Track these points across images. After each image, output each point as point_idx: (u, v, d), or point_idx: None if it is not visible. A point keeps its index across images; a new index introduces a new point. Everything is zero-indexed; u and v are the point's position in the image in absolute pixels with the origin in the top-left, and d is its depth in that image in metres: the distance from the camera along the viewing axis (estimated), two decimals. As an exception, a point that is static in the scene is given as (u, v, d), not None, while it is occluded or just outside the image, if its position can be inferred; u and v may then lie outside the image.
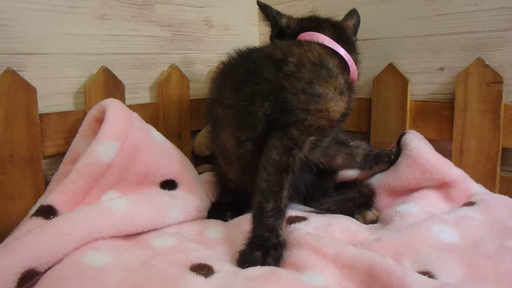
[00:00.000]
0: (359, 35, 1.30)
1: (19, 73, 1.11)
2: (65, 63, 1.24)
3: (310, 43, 1.05)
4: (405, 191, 1.14)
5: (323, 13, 1.50)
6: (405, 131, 1.27)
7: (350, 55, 1.08)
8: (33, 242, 0.82)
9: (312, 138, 1.00)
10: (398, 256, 0.85)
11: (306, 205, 1.21)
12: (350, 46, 1.12)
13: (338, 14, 1.35)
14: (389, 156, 1.24)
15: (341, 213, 1.14)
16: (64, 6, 1.22)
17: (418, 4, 1.33)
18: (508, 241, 0.87)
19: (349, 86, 1.04)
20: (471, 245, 0.87)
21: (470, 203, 1.05)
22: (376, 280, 0.75)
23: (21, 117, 1.11)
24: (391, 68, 1.37)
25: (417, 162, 1.12)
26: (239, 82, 1.05)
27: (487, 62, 1.19)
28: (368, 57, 1.40)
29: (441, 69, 1.32)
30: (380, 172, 1.24)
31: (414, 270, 0.80)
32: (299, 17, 1.22)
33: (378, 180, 1.21)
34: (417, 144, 1.16)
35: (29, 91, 1.12)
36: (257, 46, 1.15)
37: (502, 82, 1.17)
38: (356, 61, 1.12)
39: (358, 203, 1.16)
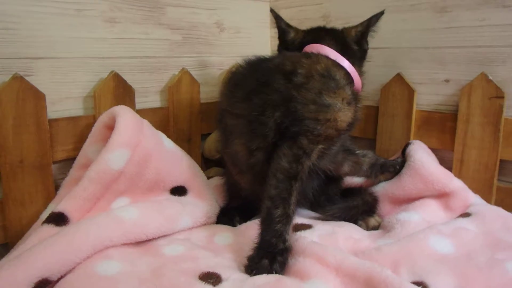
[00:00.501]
0: (371, 43, 1.32)
1: (27, 78, 1.12)
2: (74, 67, 1.25)
3: (317, 55, 1.09)
4: (407, 200, 1.21)
5: (334, 18, 1.58)
6: (410, 141, 1.34)
7: (353, 66, 1.12)
8: (46, 252, 0.84)
9: (320, 146, 1.04)
10: (396, 266, 0.90)
11: (312, 210, 1.25)
12: (352, 56, 1.15)
13: (350, 21, 1.39)
14: (394, 166, 1.28)
15: (344, 219, 1.18)
16: (72, 9, 1.22)
17: (428, 16, 1.38)
18: (499, 253, 0.92)
19: (356, 96, 1.08)
20: (465, 257, 0.93)
21: (466, 214, 1.11)
22: None
23: (30, 124, 1.12)
24: (399, 78, 1.42)
25: (420, 174, 1.18)
26: (250, 92, 1.08)
27: (490, 77, 1.24)
28: (377, 65, 1.47)
29: (447, 81, 1.37)
30: (384, 180, 1.30)
31: (410, 280, 0.85)
32: (306, 29, 1.26)
33: (382, 188, 1.27)
34: (420, 156, 1.22)
35: (38, 97, 1.13)
36: (266, 56, 1.18)
37: (503, 97, 1.23)
38: (360, 71, 1.17)
39: (361, 210, 1.20)
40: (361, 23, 1.22)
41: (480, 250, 0.95)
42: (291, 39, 1.23)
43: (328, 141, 1.05)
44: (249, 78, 1.12)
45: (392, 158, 1.39)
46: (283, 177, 0.99)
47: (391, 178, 1.28)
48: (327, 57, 1.09)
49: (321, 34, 1.21)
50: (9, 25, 1.11)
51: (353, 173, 1.30)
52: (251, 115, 1.05)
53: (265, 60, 1.14)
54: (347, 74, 1.09)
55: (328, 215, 1.19)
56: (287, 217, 0.98)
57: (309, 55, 1.09)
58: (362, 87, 1.16)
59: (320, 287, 0.83)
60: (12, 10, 1.12)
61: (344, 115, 1.03)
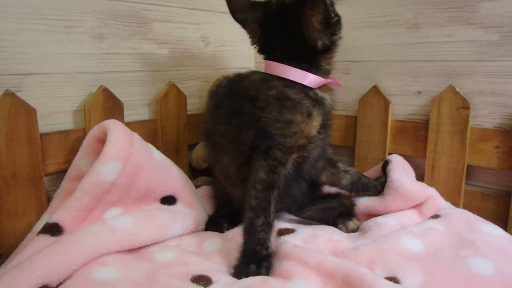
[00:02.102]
0: (349, 56, 1.48)
1: (18, 93, 1.16)
2: (63, 82, 1.29)
3: (269, 80, 1.15)
4: (386, 213, 1.28)
5: None
6: (388, 158, 1.40)
7: (311, 69, 1.14)
8: (45, 260, 0.91)
9: (294, 155, 1.13)
10: (372, 264, 1.00)
11: (296, 214, 1.35)
12: (308, 61, 1.16)
13: None
14: (376, 188, 1.34)
15: (320, 220, 1.29)
16: (61, 26, 1.27)
17: (402, 32, 1.48)
18: (462, 250, 1.02)
19: (318, 101, 1.13)
20: (432, 254, 1.03)
21: (436, 216, 1.23)
22: (351, 286, 0.89)
23: (22, 138, 1.16)
24: (375, 89, 1.53)
25: (399, 193, 1.26)
26: (229, 115, 1.18)
27: (457, 89, 1.36)
28: (355, 78, 1.58)
29: (419, 92, 1.48)
30: (365, 196, 1.36)
31: (384, 276, 0.94)
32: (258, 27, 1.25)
33: (362, 205, 1.33)
34: (398, 175, 1.29)
35: (29, 112, 1.18)
36: (243, 75, 1.26)
37: (469, 108, 1.34)
38: (320, 68, 1.17)
39: (337, 212, 1.29)
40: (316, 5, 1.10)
41: (446, 248, 1.04)
42: (251, 41, 1.28)
43: (301, 149, 1.12)
44: (227, 101, 1.22)
45: (370, 171, 1.48)
46: (262, 187, 1.08)
47: (372, 195, 1.35)
48: (280, 79, 1.14)
49: (276, 46, 1.19)
50: (0, 42, 1.16)
51: (330, 184, 1.36)
52: (232, 135, 1.16)
53: (238, 82, 1.22)
54: (303, 87, 1.13)
55: (304, 216, 1.30)
56: (268, 225, 1.07)
57: (265, 80, 1.15)
58: (329, 74, 1.19)
59: (302, 286, 0.92)
60: (3, 28, 1.16)
61: (308, 126, 1.10)
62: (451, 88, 1.36)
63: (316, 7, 1.06)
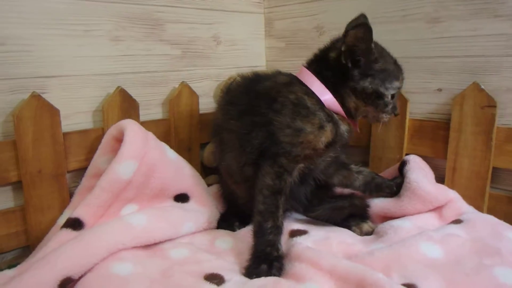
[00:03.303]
0: None
1: (42, 95, 1.25)
2: (83, 84, 1.38)
3: (294, 84, 1.20)
4: (403, 215, 1.26)
5: (328, 29, 1.67)
6: (406, 158, 1.38)
7: (332, 89, 1.18)
8: (67, 254, 1.01)
9: (300, 165, 1.17)
10: (388, 270, 0.98)
11: (305, 214, 1.36)
12: (330, 83, 1.19)
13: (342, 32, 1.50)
14: (390, 188, 1.33)
15: (329, 220, 1.30)
16: (81, 30, 1.35)
17: (420, 27, 1.44)
18: (486, 259, 0.98)
19: (332, 118, 1.16)
20: (453, 262, 0.99)
21: (458, 221, 1.19)
22: None
23: (47, 137, 1.26)
24: None
25: (417, 195, 1.23)
26: (242, 112, 1.23)
27: (482, 86, 1.30)
28: None
29: (439, 90, 1.43)
30: (380, 197, 1.35)
31: (400, 283, 0.93)
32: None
33: (381, 203, 1.32)
34: (416, 176, 1.26)
35: (53, 113, 1.27)
36: (261, 74, 1.31)
37: (495, 106, 1.27)
38: (342, 95, 1.19)
39: (347, 212, 1.30)
40: (340, 39, 1.18)
41: (469, 256, 1.01)
42: None
43: (307, 159, 1.16)
44: (242, 97, 1.26)
45: (386, 171, 1.46)
46: (269, 193, 1.13)
47: (387, 196, 1.33)
48: (301, 85, 1.19)
49: (315, 55, 1.27)
50: (25, 47, 1.25)
51: (343, 186, 1.36)
52: (241, 132, 1.20)
53: (258, 81, 1.27)
54: (319, 100, 1.16)
55: (312, 216, 1.33)
56: (277, 228, 1.12)
57: (289, 83, 1.21)
58: (349, 106, 1.19)
59: None
60: (27, 33, 1.25)
61: (316, 138, 1.13)
62: (476, 85, 1.30)
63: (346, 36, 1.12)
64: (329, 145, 1.16)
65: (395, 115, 1.22)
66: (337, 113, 1.18)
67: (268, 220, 1.12)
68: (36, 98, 1.24)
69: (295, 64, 1.74)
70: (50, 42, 1.31)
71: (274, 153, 1.14)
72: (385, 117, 1.20)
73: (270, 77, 1.28)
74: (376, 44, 1.17)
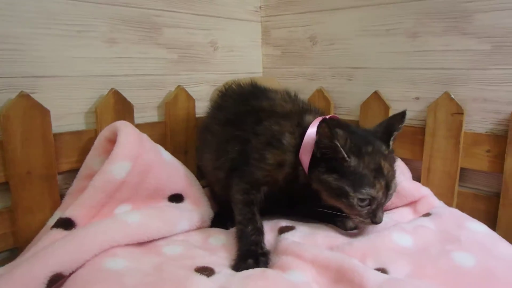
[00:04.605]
0: (352, 63, 1.62)
1: (32, 95, 1.24)
2: (76, 85, 1.38)
3: (290, 119, 1.22)
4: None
5: (320, 40, 1.77)
6: None
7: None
8: (59, 250, 1.00)
9: (264, 187, 1.22)
10: (364, 257, 1.08)
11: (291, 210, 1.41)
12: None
13: (335, 42, 1.67)
14: None
15: (314, 218, 1.35)
16: (74, 30, 1.35)
17: (402, 40, 1.57)
18: (448, 245, 1.11)
19: (296, 166, 1.18)
20: (421, 249, 1.12)
21: (427, 214, 1.31)
22: (344, 276, 0.98)
23: (36, 138, 1.25)
24: (376, 95, 1.61)
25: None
26: (228, 121, 1.29)
27: (452, 96, 1.44)
28: (358, 84, 1.67)
29: (417, 98, 1.57)
30: None
31: (374, 267, 1.03)
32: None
33: None
34: None
35: (43, 113, 1.26)
36: (262, 89, 1.38)
37: (463, 113, 1.42)
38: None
39: (329, 211, 1.28)
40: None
41: (434, 244, 1.13)
42: None
43: (270, 185, 1.21)
44: (233, 107, 1.32)
45: None
46: (242, 206, 1.21)
47: None
48: (296, 125, 1.20)
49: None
50: (16, 46, 1.24)
51: None
52: (221, 140, 1.27)
53: (258, 97, 1.31)
54: (297, 146, 1.17)
55: (297, 213, 1.37)
56: (258, 230, 1.18)
57: (287, 116, 1.23)
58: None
59: (298, 276, 1.01)
60: (19, 32, 1.25)
61: (275, 171, 1.19)
62: (447, 95, 1.45)
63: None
64: (288, 183, 1.21)
65: (374, 223, 1.15)
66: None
67: (248, 225, 1.18)
68: (25, 97, 1.23)
69: (291, 72, 1.88)
70: (42, 41, 1.30)
71: (243, 170, 1.22)
72: (359, 220, 1.16)
73: (272, 98, 1.32)
74: (362, 146, 1.13)
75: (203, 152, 1.40)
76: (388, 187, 1.13)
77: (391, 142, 1.20)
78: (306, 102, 1.38)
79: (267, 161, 1.18)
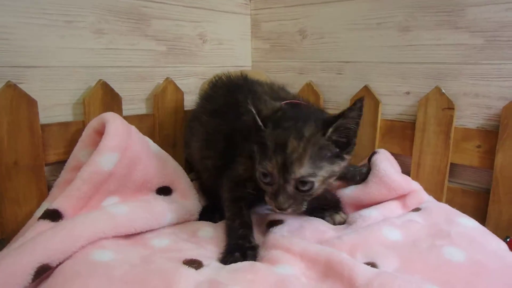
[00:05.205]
0: (342, 57, 1.62)
1: (20, 85, 1.23)
2: (64, 76, 1.37)
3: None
4: (372, 204, 1.35)
5: (310, 33, 1.78)
6: (376, 150, 1.49)
7: None
8: (46, 241, 0.99)
9: (249, 183, 1.20)
10: (353, 251, 1.08)
11: None
12: None
13: (324, 36, 1.68)
14: (354, 178, 1.41)
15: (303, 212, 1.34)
16: (62, 20, 1.34)
17: (393, 34, 1.57)
18: (438, 240, 1.11)
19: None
20: (410, 244, 1.12)
21: (417, 209, 1.31)
22: (333, 270, 0.98)
23: (23, 128, 1.24)
24: (366, 89, 1.61)
25: (384, 182, 1.33)
26: (215, 111, 1.30)
27: (443, 91, 1.44)
28: (348, 78, 1.68)
29: (407, 93, 1.57)
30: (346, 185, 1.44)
31: (363, 261, 1.03)
32: None
33: (350, 192, 1.40)
34: (384, 166, 1.36)
35: (31, 103, 1.25)
36: (250, 81, 1.38)
37: (454, 108, 1.43)
38: None
39: (316, 205, 1.31)
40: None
41: (423, 238, 1.14)
42: None
43: (252, 182, 1.16)
44: (220, 98, 1.33)
45: (359, 165, 1.55)
46: (229, 202, 1.23)
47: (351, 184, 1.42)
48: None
49: None
50: (3, 35, 1.23)
51: None
52: (209, 131, 1.28)
53: (243, 91, 1.27)
54: None
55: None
56: (246, 224, 1.18)
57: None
58: None
59: (287, 269, 1.01)
60: (6, 21, 1.23)
61: (246, 170, 1.20)
62: (437, 90, 1.45)
63: None
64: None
65: (276, 207, 1.07)
66: None
67: (235, 220, 1.19)
68: (12, 87, 1.21)
69: (280, 66, 1.88)
70: (29, 31, 1.29)
71: (229, 167, 1.24)
72: (268, 201, 1.10)
73: (254, 89, 1.32)
74: (283, 121, 1.08)
75: (191, 140, 1.41)
76: (286, 168, 1.03)
77: (329, 130, 1.05)
78: (290, 93, 1.39)
79: (244, 156, 1.19)
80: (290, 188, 1.05)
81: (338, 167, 1.09)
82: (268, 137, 1.06)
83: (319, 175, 1.04)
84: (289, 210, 1.07)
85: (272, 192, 1.07)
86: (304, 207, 1.09)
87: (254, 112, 1.07)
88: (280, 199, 1.05)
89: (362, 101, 1.03)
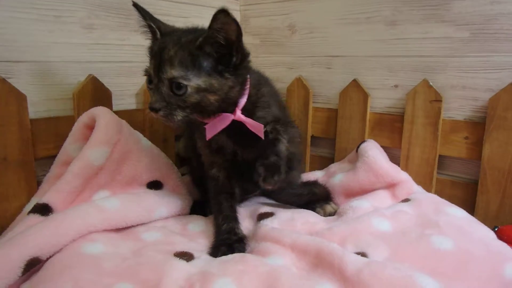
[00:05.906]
0: (331, 51, 1.65)
1: (9, 80, 1.22)
2: (53, 71, 1.37)
3: None
4: (361, 192, 1.40)
5: (299, 28, 1.78)
6: (365, 140, 1.54)
7: None
8: (36, 235, 0.99)
9: (220, 168, 1.27)
10: (343, 241, 1.10)
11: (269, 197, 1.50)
12: None
13: (314, 31, 1.69)
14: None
15: (293, 204, 1.41)
16: (52, 15, 1.34)
17: (381, 28, 1.58)
18: (427, 230, 1.13)
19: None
20: (399, 233, 1.14)
21: (406, 200, 1.34)
22: (323, 260, 0.99)
23: (13, 123, 1.23)
24: (355, 83, 1.62)
25: (372, 168, 1.38)
26: None
27: (431, 83, 1.46)
28: (337, 72, 1.69)
29: (396, 86, 1.59)
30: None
31: (353, 251, 1.04)
32: None
33: (339, 181, 1.45)
34: (373, 153, 1.41)
35: (20, 98, 1.24)
36: None
37: (441, 101, 1.45)
38: None
39: (306, 198, 1.40)
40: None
41: (413, 228, 1.16)
42: None
43: (221, 157, 1.25)
44: None
45: (348, 156, 1.60)
46: (212, 200, 1.28)
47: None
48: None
49: None
50: None
51: None
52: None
53: None
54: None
55: (277, 199, 1.43)
56: (228, 217, 1.22)
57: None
58: None
59: (278, 260, 1.02)
60: None
61: (212, 141, 1.20)
62: (425, 82, 1.46)
63: None
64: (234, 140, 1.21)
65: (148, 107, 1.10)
66: None
67: (218, 216, 1.23)
68: (1, 82, 1.21)
69: (270, 61, 1.88)
70: (18, 25, 1.28)
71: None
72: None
73: None
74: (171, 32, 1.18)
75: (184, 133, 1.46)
76: (160, 68, 1.06)
77: (199, 39, 1.04)
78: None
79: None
80: (164, 89, 1.06)
81: (218, 83, 1.06)
82: (155, 44, 1.14)
83: (194, 82, 1.04)
84: (161, 113, 1.06)
85: (151, 95, 1.09)
86: (178, 116, 1.07)
87: (154, 26, 1.17)
88: (153, 99, 1.07)
89: (225, 11, 0.97)
